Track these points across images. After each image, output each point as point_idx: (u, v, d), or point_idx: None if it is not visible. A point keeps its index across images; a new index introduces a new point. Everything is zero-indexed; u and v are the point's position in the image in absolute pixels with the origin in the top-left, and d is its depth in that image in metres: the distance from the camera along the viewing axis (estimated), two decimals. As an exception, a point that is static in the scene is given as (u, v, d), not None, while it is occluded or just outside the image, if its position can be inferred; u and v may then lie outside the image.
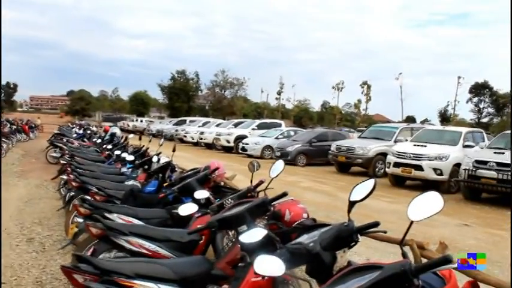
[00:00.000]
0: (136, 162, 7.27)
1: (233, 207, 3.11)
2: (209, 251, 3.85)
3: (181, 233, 3.42)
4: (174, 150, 6.46)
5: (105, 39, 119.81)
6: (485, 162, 10.65)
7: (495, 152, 11.05)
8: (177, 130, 31.73)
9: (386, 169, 13.67)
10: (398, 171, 12.92)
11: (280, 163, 3.51)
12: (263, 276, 2.10)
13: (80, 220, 3.98)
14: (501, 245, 7.16)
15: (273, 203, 3.12)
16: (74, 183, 5.62)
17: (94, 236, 3.29)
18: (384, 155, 14.68)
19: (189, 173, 5.48)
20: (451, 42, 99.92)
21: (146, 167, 6.83)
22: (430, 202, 1.82)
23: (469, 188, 11.20)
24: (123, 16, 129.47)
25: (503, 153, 10.89)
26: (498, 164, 10.40)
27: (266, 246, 2.46)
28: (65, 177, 6.98)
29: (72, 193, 5.90)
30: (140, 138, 10.36)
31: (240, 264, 2.59)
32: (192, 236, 3.37)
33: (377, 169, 15.34)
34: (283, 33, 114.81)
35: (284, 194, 3.20)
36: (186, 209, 3.38)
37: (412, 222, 1.82)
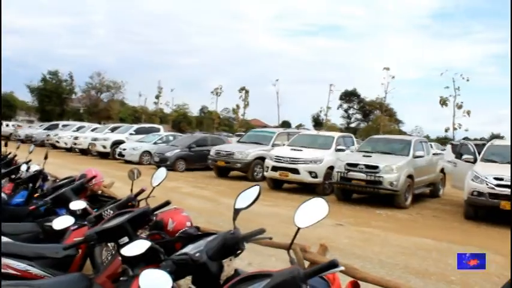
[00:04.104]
0: (2, 171, 6.64)
1: (113, 218, 2.95)
2: (87, 265, 3.64)
3: (56, 248, 3.16)
4: (46, 158, 6.02)
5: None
6: (355, 165, 11.43)
7: (364, 155, 11.96)
8: (48, 135, 29.56)
9: (265, 173, 14.04)
10: (276, 174, 13.37)
11: (162, 171, 3.39)
12: None
13: None
14: (371, 241, 7.73)
15: (155, 212, 3.03)
16: None
17: None
18: (262, 159, 15.07)
19: (63, 182, 5.11)
20: (323, 53, 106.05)
21: (13, 176, 6.27)
22: (315, 208, 1.85)
23: (342, 189, 11.97)
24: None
25: (370, 156, 11.85)
26: (366, 166, 11.24)
27: (149, 258, 2.37)
28: None
29: None
30: (6, 145, 9.51)
31: (121, 278, 2.47)
32: (68, 251, 3.14)
33: (255, 173, 15.71)
34: (163, 37, 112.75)
35: (167, 203, 3.11)
36: (62, 221, 3.12)
37: (299, 228, 1.84)
